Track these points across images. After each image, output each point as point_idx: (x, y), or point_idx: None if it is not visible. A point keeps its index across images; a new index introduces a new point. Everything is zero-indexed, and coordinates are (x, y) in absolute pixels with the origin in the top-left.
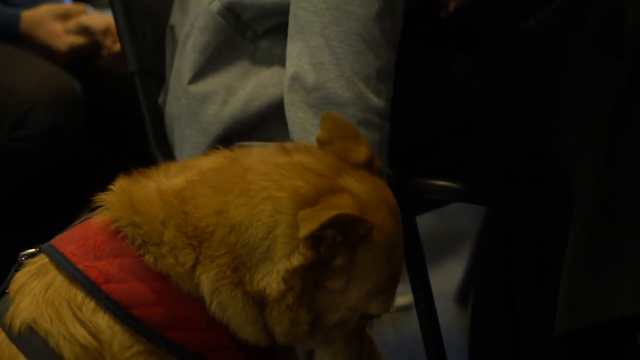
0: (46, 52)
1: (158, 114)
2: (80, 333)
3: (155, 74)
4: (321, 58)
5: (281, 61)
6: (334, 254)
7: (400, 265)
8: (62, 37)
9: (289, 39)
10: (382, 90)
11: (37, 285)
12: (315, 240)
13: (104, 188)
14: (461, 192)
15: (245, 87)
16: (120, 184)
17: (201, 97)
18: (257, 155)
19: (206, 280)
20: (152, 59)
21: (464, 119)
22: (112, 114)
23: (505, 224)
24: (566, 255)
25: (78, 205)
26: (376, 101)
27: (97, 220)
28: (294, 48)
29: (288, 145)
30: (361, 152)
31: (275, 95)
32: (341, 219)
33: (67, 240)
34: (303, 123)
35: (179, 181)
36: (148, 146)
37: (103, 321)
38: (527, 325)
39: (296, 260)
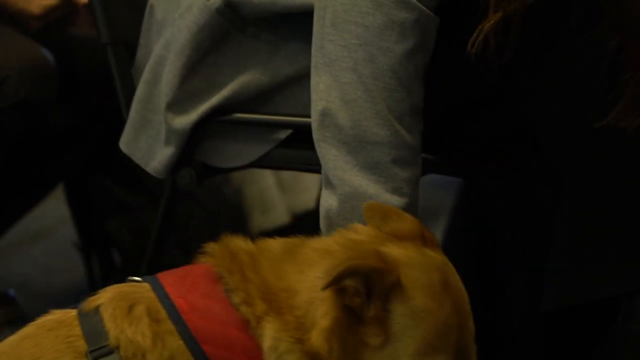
0: (20, 17)
1: (132, 87)
2: (133, 330)
3: (129, 46)
4: (354, 95)
5: (266, 46)
6: (363, 306)
7: (460, 325)
8: (34, 0)
9: (313, 69)
10: (414, 126)
11: (124, 287)
12: (340, 294)
13: (76, 160)
14: (434, 164)
15: (234, 78)
16: (223, 239)
17: (191, 93)
18: (317, 239)
19: (269, 332)
20: (125, 31)
21: (452, 99)
22: (85, 86)
23: (478, 197)
24: (555, 234)
25: (51, 178)
26: (410, 138)
27: (201, 263)
28: (320, 81)
29: (346, 230)
30: (406, 226)
31: (262, 82)
32: (356, 268)
33: (169, 274)
34: (337, 160)
35: (258, 245)
36: (122, 118)
37: (173, 343)
38: (502, 301)
39: (328, 318)
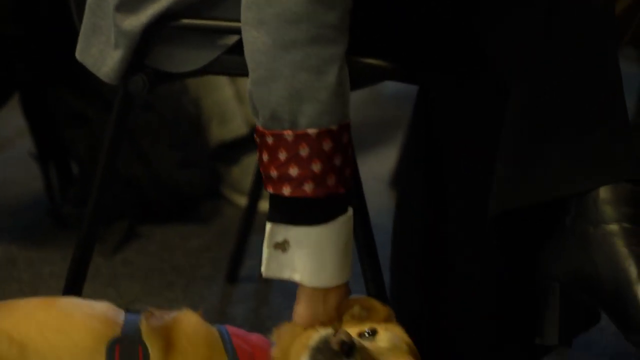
0: None
1: None
2: None
3: None
4: None
5: None
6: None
7: None
8: None
9: None
10: (337, 3)
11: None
12: None
13: (31, 70)
14: (387, 70)
15: None
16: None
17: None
18: None
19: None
20: None
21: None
22: None
23: (431, 104)
24: (501, 137)
25: (5, 88)
26: (331, 16)
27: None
28: None
29: None
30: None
31: None
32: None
33: (235, 329)
34: (256, 42)
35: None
36: (75, 27)
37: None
38: (454, 209)
39: None
